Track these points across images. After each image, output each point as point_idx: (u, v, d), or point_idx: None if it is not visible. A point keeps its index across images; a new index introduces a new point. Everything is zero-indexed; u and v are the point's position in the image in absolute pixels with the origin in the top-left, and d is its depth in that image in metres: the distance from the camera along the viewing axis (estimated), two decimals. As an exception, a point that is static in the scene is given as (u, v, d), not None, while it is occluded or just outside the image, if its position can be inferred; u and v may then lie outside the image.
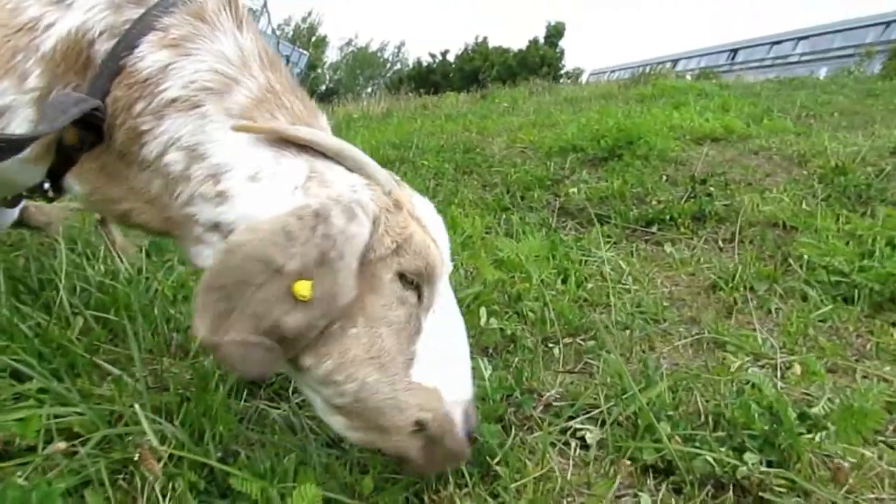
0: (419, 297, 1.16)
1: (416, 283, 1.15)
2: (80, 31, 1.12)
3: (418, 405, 1.13)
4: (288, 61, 28.92)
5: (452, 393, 1.17)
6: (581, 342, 2.26)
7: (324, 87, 47.14)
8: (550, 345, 2.23)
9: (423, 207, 1.23)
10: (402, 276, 1.13)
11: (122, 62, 1.11)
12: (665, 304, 2.65)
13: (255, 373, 1.02)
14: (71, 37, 1.11)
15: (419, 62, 46.45)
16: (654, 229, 3.76)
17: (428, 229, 1.20)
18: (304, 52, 36.38)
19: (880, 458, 1.54)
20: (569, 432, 1.67)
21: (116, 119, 1.12)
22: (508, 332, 2.25)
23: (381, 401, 1.10)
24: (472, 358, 1.90)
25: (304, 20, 51.32)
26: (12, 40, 1.09)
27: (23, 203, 1.78)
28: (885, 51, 18.42)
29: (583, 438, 1.64)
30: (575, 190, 4.36)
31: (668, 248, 3.45)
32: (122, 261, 2.19)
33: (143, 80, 1.10)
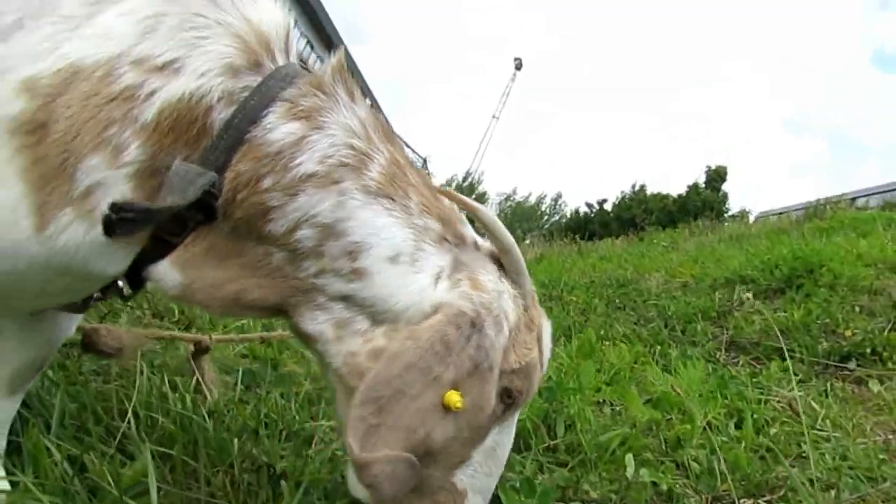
0: (503, 412, 1.12)
1: (511, 401, 1.12)
2: (195, 97, 0.98)
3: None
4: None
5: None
6: (765, 504, 1.69)
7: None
8: (722, 506, 1.68)
9: (546, 329, 1.19)
10: (504, 391, 1.10)
11: (247, 134, 0.99)
12: (882, 456, 2.00)
13: (394, 493, 0.95)
14: (183, 104, 0.98)
15: (576, 212, 46.86)
16: (851, 365, 3.08)
17: (543, 352, 1.17)
18: (464, 207, 37.95)
19: None
20: None
21: (237, 195, 1.00)
22: (664, 486, 1.74)
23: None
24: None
25: (464, 179, 54.28)
26: (104, 111, 0.94)
27: (78, 321, 1.61)
28: None
29: None
30: (746, 322, 3.76)
31: (874, 386, 2.76)
32: (211, 392, 1.97)
33: (274, 154, 1.00)
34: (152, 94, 0.96)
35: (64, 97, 0.93)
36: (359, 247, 1.03)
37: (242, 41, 1.03)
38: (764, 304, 4.32)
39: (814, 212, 13.20)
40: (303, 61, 1.17)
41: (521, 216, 56.52)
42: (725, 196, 39.14)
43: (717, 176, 40.03)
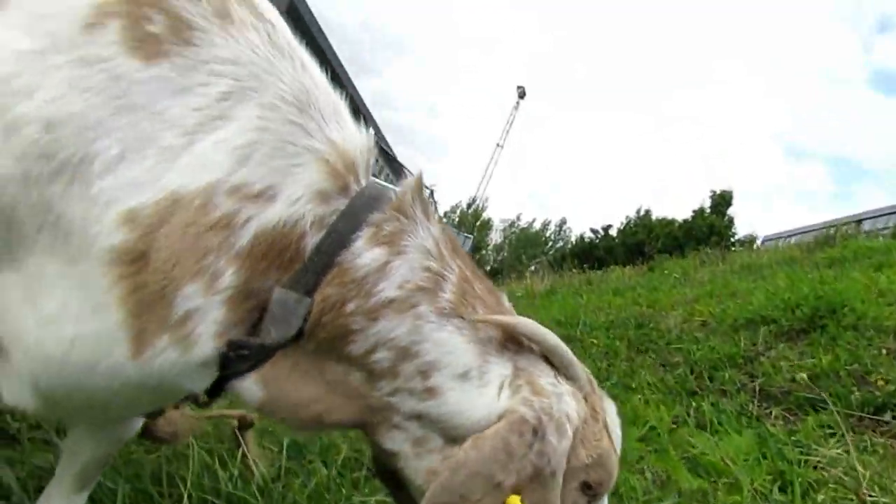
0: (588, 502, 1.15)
1: (593, 492, 1.14)
2: (289, 223, 1.02)
3: None
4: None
5: None
6: (826, 584, 1.67)
7: (488, 268, 48.33)
8: (782, 587, 1.67)
9: (610, 412, 1.21)
10: (583, 485, 1.13)
11: (337, 257, 1.04)
12: (935, 525, 1.99)
13: None
14: (277, 230, 1.01)
15: (581, 238, 46.82)
16: (887, 416, 3.05)
17: (613, 437, 1.18)
18: (469, 235, 38.02)
19: None
20: None
21: (322, 317, 1.04)
22: (720, 565, 1.73)
23: None
24: None
25: (468, 206, 54.44)
26: (202, 239, 0.97)
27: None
28: None
29: None
30: (774, 369, 3.74)
31: (914, 442, 2.73)
32: (257, 466, 1.98)
33: (360, 279, 1.04)
34: (247, 221, 0.99)
35: (164, 227, 0.95)
36: (431, 366, 1.07)
37: (330, 166, 1.06)
38: (788, 347, 4.30)
39: (824, 239, 13.14)
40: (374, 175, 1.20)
41: (526, 242, 56.46)
42: (731, 221, 39.10)
43: (722, 200, 40.04)
